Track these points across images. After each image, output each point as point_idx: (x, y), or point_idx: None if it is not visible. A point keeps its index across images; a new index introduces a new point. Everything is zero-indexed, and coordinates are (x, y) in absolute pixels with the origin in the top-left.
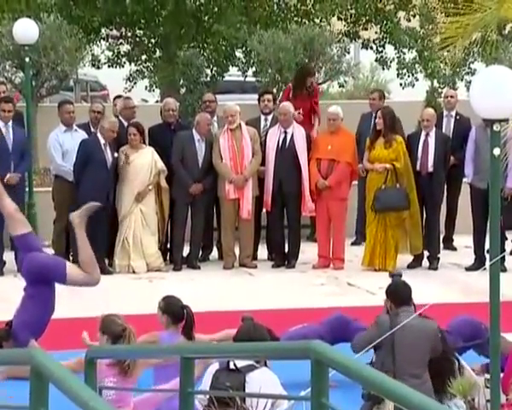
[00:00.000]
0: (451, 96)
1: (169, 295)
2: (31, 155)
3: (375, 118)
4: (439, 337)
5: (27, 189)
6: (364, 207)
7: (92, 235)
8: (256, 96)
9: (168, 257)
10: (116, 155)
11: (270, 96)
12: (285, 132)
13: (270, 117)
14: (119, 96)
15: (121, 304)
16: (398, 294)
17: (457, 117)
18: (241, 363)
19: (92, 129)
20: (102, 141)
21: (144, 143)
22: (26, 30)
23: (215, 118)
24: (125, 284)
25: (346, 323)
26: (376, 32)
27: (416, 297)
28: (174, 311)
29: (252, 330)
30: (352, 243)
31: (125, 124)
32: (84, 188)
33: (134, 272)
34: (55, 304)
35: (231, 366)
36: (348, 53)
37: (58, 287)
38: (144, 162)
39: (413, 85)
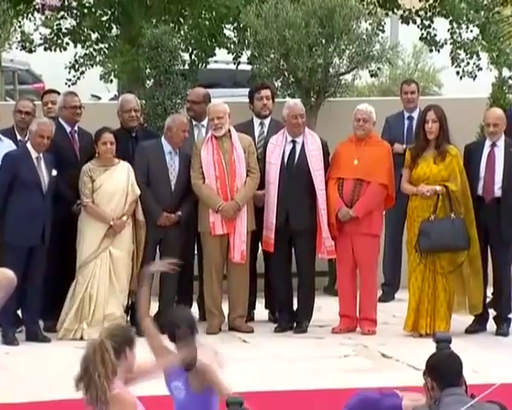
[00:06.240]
0: None
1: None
2: None
3: (409, 119)
4: None
5: None
6: (395, 247)
7: (21, 285)
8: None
9: (129, 317)
10: (55, 172)
11: (268, 93)
12: (293, 142)
13: (267, 121)
14: (50, 92)
15: (62, 385)
16: (443, 370)
17: None
18: None
19: (19, 136)
20: (34, 154)
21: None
22: None
23: (204, 122)
24: (68, 355)
25: (373, 404)
26: (421, 0)
27: (477, 373)
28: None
29: None
30: (379, 300)
31: (68, 129)
32: (10, 219)
33: (82, 338)
34: None
35: None
36: (382, 31)
37: None
38: (117, 185)
39: (474, 77)
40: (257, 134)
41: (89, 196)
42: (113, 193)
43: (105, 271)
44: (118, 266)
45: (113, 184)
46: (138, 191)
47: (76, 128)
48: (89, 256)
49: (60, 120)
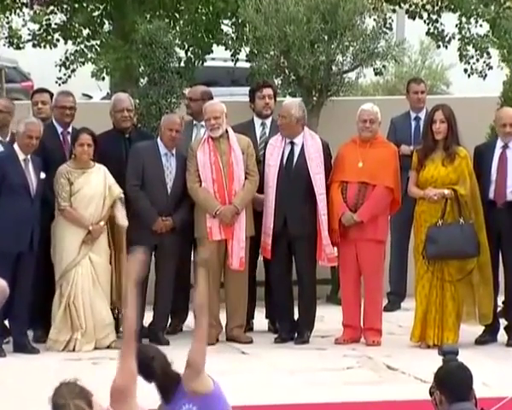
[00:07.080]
0: None
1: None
2: None
3: (416, 119)
4: None
5: None
6: (401, 253)
7: (10, 293)
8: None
9: (121, 328)
10: (43, 175)
11: (270, 91)
12: (292, 144)
13: (268, 121)
14: (40, 91)
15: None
16: (452, 383)
17: None
18: None
19: (1, 138)
20: (22, 156)
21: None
22: None
23: (203, 122)
24: (58, 367)
25: None
26: None
27: (487, 386)
28: None
29: None
30: (384, 309)
31: (60, 130)
32: None
33: (74, 349)
34: None
35: None
36: (390, 28)
37: None
38: (96, 189)
39: (484, 76)
40: (258, 135)
41: (66, 200)
42: (91, 197)
43: (88, 278)
44: (99, 271)
45: (91, 188)
46: (116, 194)
47: (70, 130)
48: (69, 264)
49: (53, 120)
